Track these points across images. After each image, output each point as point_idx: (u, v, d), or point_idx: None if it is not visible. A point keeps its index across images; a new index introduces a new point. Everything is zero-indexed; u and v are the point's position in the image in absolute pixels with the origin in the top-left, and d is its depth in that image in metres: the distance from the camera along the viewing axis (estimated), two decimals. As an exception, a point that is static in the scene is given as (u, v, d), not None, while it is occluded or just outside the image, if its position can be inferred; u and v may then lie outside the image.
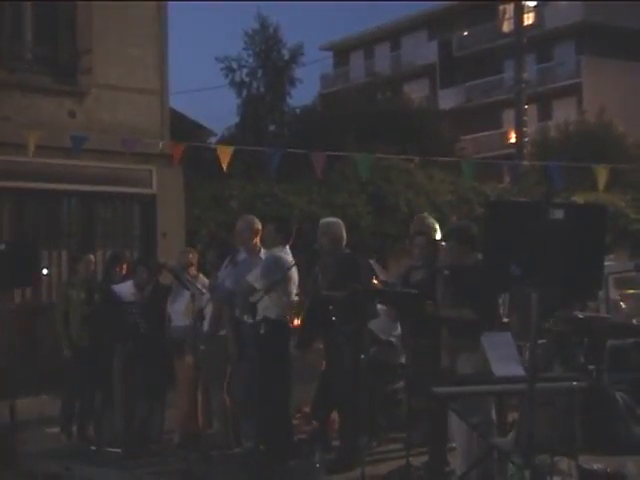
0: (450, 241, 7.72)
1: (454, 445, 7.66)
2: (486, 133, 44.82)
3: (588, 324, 9.47)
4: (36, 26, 15.64)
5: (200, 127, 23.63)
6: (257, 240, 9.06)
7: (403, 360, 8.81)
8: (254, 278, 8.52)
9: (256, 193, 19.17)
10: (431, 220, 9.07)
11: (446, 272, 7.76)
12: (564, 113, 38.15)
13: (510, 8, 35.60)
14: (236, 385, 9.10)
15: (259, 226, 9.11)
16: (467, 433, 7.06)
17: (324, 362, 9.14)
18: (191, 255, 9.96)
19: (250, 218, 9.28)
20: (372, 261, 9.19)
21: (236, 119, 36.09)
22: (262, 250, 8.97)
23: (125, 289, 9.88)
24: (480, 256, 7.04)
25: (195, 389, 9.38)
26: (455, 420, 7.18)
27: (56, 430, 10.30)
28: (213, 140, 27.04)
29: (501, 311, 7.97)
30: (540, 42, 41.06)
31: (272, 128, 35.43)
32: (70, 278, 10.84)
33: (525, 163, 22.93)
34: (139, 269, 10.11)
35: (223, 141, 29.20)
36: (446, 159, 20.26)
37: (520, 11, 26.16)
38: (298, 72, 37.07)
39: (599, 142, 30.74)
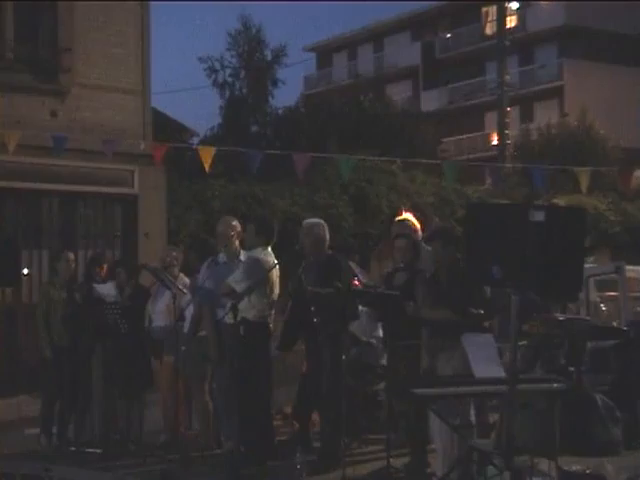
0: (435, 243, 7.72)
1: (434, 446, 7.67)
2: (468, 135, 44.92)
3: (568, 326, 9.50)
4: (17, 25, 15.56)
5: (182, 127, 23.59)
6: (237, 242, 9.05)
7: (384, 361, 8.82)
8: (234, 280, 8.51)
9: (238, 194, 19.14)
10: (412, 222, 9.07)
11: (427, 274, 7.77)
12: (546, 115, 38.26)
13: (493, 11, 35.73)
14: (217, 386, 9.09)
15: (239, 228, 9.09)
16: (447, 434, 7.07)
17: (305, 363, 9.14)
18: (175, 254, 9.93)
19: (230, 220, 9.25)
20: (352, 264, 9.18)
21: (219, 119, 36.09)
22: (242, 252, 8.96)
23: (107, 289, 9.85)
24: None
25: (176, 390, 9.37)
26: (435, 421, 7.19)
27: (36, 431, 10.25)
28: (195, 140, 27.01)
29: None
30: (522, 45, 41.20)
31: (255, 129, 35.41)
32: (51, 278, 10.78)
33: (507, 165, 22.99)
34: (119, 270, 10.08)
35: (205, 141, 29.14)
36: (428, 161, 20.28)
37: (503, 14, 26.27)
38: (281, 73, 37.20)
39: (580, 145, 30.85)
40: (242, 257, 8.90)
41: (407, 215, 9.38)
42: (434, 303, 7.47)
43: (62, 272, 10.32)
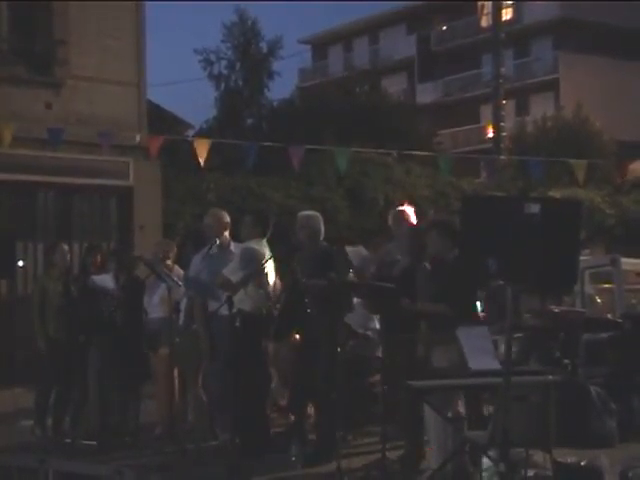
0: (432, 233, 7.68)
1: (427, 439, 7.68)
2: (464, 128, 44.90)
3: (564, 318, 9.51)
4: (12, 17, 15.53)
5: (178, 120, 23.56)
6: (226, 234, 9.06)
7: (380, 353, 8.82)
8: (230, 271, 8.51)
9: (233, 186, 19.13)
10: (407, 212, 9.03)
11: (427, 264, 7.75)
12: (541, 108, 38.25)
13: (489, 3, 35.67)
14: (211, 378, 9.09)
15: (227, 219, 9.11)
16: (441, 427, 7.08)
17: (300, 355, 9.13)
18: (167, 246, 9.92)
19: (217, 212, 9.27)
20: (355, 248, 9.05)
21: (214, 112, 36.05)
22: (232, 243, 8.98)
23: (105, 280, 9.82)
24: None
25: (171, 382, 9.36)
26: (429, 414, 7.19)
27: (30, 423, 10.24)
28: (191, 133, 26.96)
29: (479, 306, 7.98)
30: (518, 37, 41.17)
31: (250, 121, 35.37)
32: (47, 269, 10.76)
33: (502, 158, 23.00)
34: (114, 261, 10.06)
35: (201, 134, 29.10)
36: (423, 153, 20.28)
37: (498, 6, 26.26)
38: (276, 65, 37.19)
39: (576, 137, 30.86)
40: (232, 248, 8.91)
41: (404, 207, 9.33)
42: (432, 296, 7.46)
43: (59, 264, 10.30)
